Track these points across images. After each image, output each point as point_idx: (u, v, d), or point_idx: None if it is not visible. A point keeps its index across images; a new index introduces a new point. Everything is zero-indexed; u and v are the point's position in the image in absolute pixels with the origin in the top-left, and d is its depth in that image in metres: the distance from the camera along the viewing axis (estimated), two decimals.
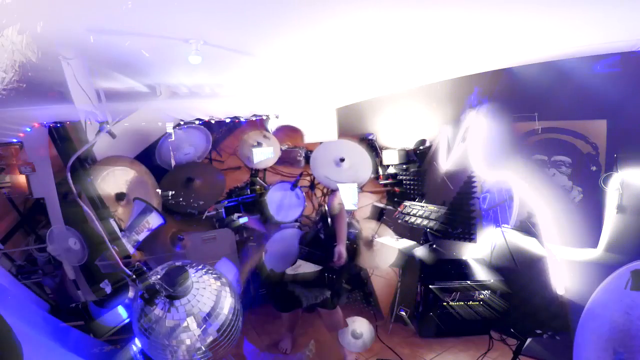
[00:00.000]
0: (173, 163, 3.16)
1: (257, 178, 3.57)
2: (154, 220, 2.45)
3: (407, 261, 3.32)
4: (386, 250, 3.17)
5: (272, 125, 3.63)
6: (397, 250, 3.16)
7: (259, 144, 3.35)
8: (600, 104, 2.51)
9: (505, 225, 2.97)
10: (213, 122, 3.36)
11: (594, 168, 2.58)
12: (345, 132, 3.72)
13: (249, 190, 3.49)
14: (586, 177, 2.62)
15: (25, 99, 2.28)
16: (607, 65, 2.38)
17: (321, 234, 2.87)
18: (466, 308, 2.99)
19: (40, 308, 2.56)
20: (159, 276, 1.57)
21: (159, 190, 3.05)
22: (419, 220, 3.16)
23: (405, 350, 3.05)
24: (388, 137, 3.72)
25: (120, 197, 2.93)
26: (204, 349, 1.57)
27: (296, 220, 3.24)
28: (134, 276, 1.59)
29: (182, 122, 3.19)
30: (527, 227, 2.83)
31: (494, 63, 2.79)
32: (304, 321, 3.30)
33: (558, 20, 1.76)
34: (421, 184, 3.54)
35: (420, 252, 3.17)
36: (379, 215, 3.53)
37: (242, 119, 3.50)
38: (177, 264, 1.67)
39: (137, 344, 1.94)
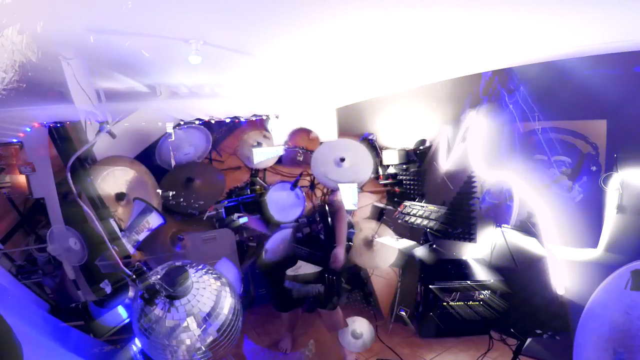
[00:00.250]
0: (173, 163, 3.16)
1: (257, 178, 3.58)
2: (154, 220, 2.46)
3: (407, 261, 3.33)
4: (386, 250, 3.17)
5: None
6: (397, 250, 3.17)
7: (259, 144, 3.35)
8: (600, 104, 2.50)
9: (505, 225, 2.98)
10: (213, 122, 3.36)
11: (594, 168, 2.58)
12: (345, 132, 3.72)
13: (249, 190, 3.50)
14: (586, 177, 2.62)
15: (25, 99, 2.28)
16: (607, 65, 2.38)
17: (321, 234, 2.87)
18: (466, 308, 2.99)
19: (40, 308, 2.55)
20: (159, 276, 1.57)
21: (159, 190, 3.05)
22: (419, 220, 3.16)
23: (405, 350, 3.05)
24: (388, 137, 3.71)
25: (120, 197, 2.93)
26: (204, 349, 1.57)
27: (296, 220, 3.24)
28: (134, 276, 1.58)
29: (182, 122, 3.19)
30: (527, 227, 2.83)
31: (494, 63, 2.79)
32: (304, 321, 3.30)
33: (558, 20, 1.76)
34: (421, 184, 3.54)
35: (420, 252, 3.17)
36: (379, 215, 3.53)
37: (242, 119, 3.50)
38: (177, 264, 1.67)
39: (137, 344, 1.94)
